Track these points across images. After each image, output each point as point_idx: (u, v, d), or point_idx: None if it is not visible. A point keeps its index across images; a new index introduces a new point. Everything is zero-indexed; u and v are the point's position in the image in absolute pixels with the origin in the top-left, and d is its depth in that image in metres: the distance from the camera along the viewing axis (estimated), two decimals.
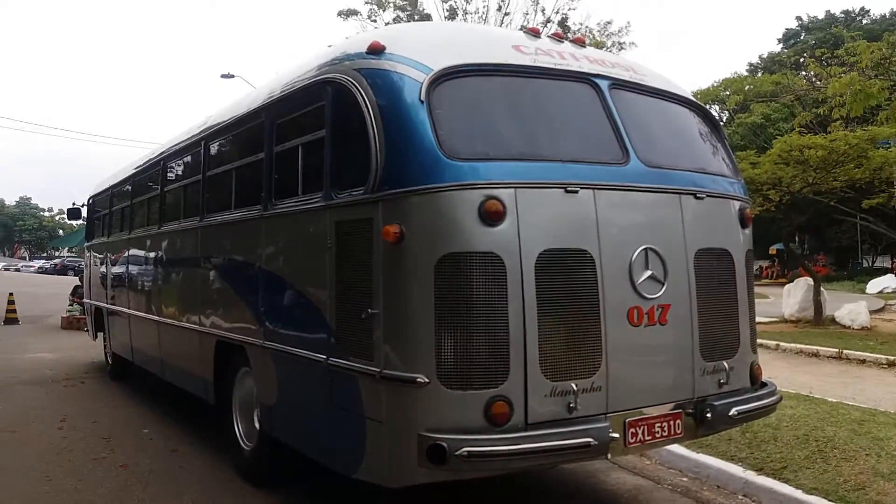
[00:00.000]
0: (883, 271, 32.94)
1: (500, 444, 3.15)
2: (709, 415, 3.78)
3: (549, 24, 30.92)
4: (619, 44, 31.68)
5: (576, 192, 3.45)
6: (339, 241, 3.74)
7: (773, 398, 4.17)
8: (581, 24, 32.79)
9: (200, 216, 5.83)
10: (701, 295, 3.84)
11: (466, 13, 31.70)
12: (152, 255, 7.29)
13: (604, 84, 3.91)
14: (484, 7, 46.14)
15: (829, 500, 4.57)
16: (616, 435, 3.41)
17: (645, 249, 3.61)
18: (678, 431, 3.74)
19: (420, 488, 3.50)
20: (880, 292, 25.32)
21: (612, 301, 3.48)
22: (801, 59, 33.08)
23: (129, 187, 8.40)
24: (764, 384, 4.26)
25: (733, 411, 3.86)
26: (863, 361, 10.69)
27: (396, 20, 31.71)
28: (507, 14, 30.30)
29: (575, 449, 3.29)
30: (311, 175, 4.13)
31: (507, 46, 3.83)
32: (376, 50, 3.62)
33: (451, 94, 3.46)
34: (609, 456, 3.56)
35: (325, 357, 3.82)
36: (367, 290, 3.46)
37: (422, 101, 3.35)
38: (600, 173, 3.59)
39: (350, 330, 3.63)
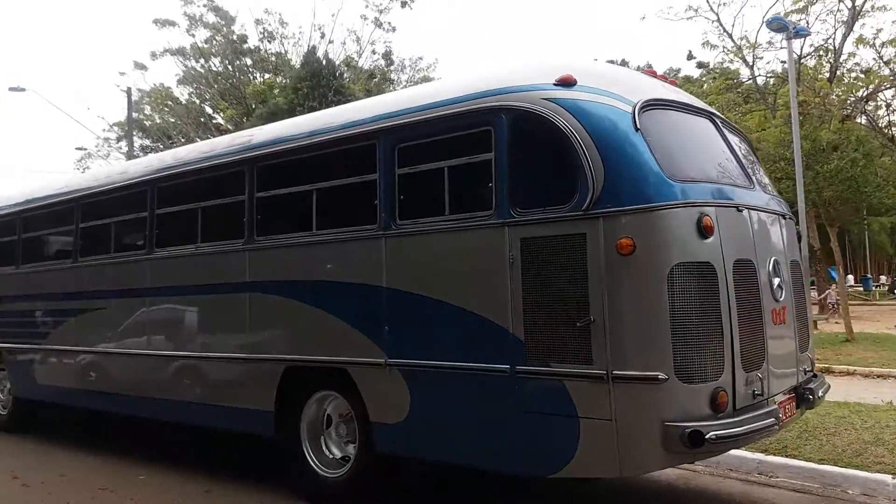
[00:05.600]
0: None
1: (732, 428, 3.63)
2: (810, 396, 4.56)
3: (372, 52, 31.78)
4: (427, 79, 33.50)
5: (742, 211, 4.08)
6: (527, 255, 3.97)
7: (827, 383, 5.08)
8: (400, 58, 34.13)
9: (247, 238, 5.56)
10: (795, 298, 4.64)
11: (284, 38, 31.53)
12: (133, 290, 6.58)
13: (717, 120, 4.61)
14: (299, 32, 46.13)
15: (840, 467, 5.58)
16: (781, 416, 4.05)
17: (774, 260, 4.33)
18: (794, 412, 4.48)
19: None
20: None
21: (765, 303, 4.14)
22: None
23: (85, 205, 7.33)
24: (815, 373, 5.17)
25: (820, 392, 4.69)
26: None
27: (209, 41, 30.67)
28: (331, 42, 30.56)
29: (767, 428, 3.87)
30: (467, 195, 4.32)
31: (656, 84, 4.39)
32: (568, 82, 3.99)
33: (651, 123, 3.93)
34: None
35: (507, 366, 4.01)
36: (579, 299, 3.77)
37: (637, 129, 3.78)
38: (748, 197, 4.26)
39: (550, 338, 3.88)
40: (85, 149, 34.35)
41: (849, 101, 18.30)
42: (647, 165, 3.74)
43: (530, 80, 4.17)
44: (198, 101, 29.38)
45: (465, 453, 4.37)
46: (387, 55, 31.75)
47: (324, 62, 20.06)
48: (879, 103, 24.16)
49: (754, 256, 4.11)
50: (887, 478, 5.28)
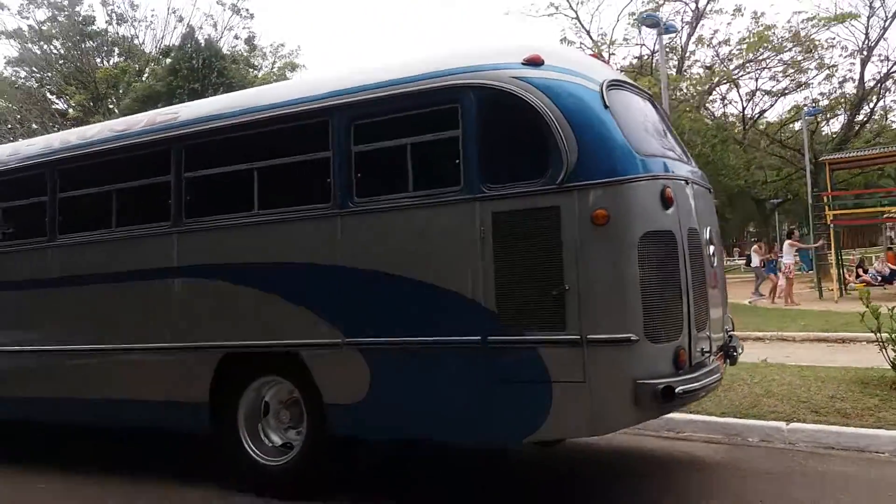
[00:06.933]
0: None
1: (693, 383, 3.97)
2: (734, 353, 5.03)
3: (234, 38, 30.60)
4: (293, 65, 32.83)
5: (687, 184, 4.43)
6: (499, 229, 4.08)
7: (742, 343, 5.61)
8: (265, 45, 33.14)
9: (174, 220, 5.24)
10: (719, 263, 5.10)
11: (136, 21, 29.65)
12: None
13: (654, 101, 4.96)
14: (152, 16, 43.38)
15: (739, 418, 6.19)
16: (721, 371, 4.47)
17: (710, 229, 4.73)
18: (724, 368, 4.93)
19: None
20: None
21: (707, 268, 4.53)
22: None
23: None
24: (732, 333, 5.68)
25: (740, 349, 5.19)
26: None
27: (50, 20, 28.24)
28: (189, 27, 29.09)
29: (715, 383, 4.25)
30: (431, 172, 4.36)
31: (606, 66, 4.64)
32: (535, 62, 4.13)
33: (614, 102, 4.17)
34: None
35: (479, 338, 4.11)
36: (553, 268, 3.93)
37: (606, 107, 4.01)
38: (687, 171, 4.62)
39: (523, 307, 4.02)
40: None
41: (694, 95, 20.15)
42: (616, 141, 3.98)
43: (497, 59, 4.27)
44: (37, 85, 26.83)
45: (433, 427, 4.42)
46: (249, 40, 30.66)
47: (202, 43, 18.97)
48: (715, 97, 26.77)
49: (697, 225, 4.48)
50: (781, 424, 5.94)
